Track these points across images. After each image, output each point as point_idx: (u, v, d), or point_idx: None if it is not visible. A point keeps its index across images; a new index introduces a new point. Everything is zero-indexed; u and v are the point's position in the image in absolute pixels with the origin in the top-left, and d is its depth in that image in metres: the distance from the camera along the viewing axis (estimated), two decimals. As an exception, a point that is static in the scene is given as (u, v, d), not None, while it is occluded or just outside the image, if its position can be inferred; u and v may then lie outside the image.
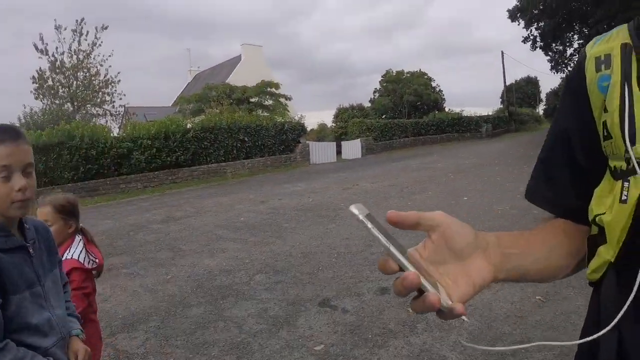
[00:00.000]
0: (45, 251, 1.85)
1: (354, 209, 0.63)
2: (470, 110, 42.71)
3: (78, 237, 2.60)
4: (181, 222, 10.30)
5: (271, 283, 5.60)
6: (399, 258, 0.63)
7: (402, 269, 0.63)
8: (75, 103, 29.30)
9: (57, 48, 29.01)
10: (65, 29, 28.35)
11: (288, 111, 28.02)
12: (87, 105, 30.18)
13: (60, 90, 29.30)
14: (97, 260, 2.59)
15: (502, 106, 50.89)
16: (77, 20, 28.61)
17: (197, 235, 8.81)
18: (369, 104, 44.34)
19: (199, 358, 3.92)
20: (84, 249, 2.57)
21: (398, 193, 11.64)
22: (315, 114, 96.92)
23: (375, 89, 47.84)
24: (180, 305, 5.18)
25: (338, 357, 3.66)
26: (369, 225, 0.62)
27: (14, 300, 1.63)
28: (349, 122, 31.94)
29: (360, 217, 0.62)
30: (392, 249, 0.62)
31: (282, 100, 28.82)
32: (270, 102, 28.94)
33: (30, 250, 1.73)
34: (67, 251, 2.50)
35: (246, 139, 22.26)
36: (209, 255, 7.25)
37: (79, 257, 2.51)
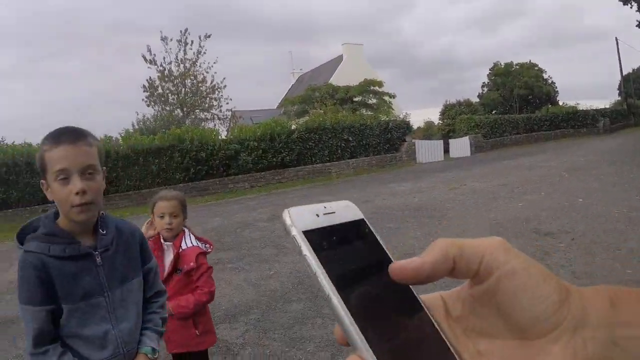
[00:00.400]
0: (125, 259, 1.76)
1: (286, 217, 0.40)
2: (585, 104, 40.13)
3: (186, 229, 2.80)
4: (285, 221, 10.45)
5: (372, 283, 5.52)
6: (344, 322, 0.36)
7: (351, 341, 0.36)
8: (185, 109, 30.90)
9: (164, 58, 30.76)
10: (171, 39, 29.99)
11: (392, 109, 27.74)
12: (196, 111, 31.68)
13: (170, 97, 31.01)
14: (208, 245, 2.83)
15: (619, 98, 47.40)
16: (181, 31, 30.13)
17: (301, 233, 8.89)
18: (477, 99, 42.91)
19: (295, 352, 3.94)
20: (195, 237, 2.80)
21: (508, 193, 11.09)
22: (421, 112, 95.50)
23: (484, 83, 46.41)
24: (281, 300, 5.26)
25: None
26: (303, 249, 0.38)
27: (65, 309, 1.58)
28: (456, 119, 31.01)
29: (293, 231, 0.39)
30: (334, 300, 0.36)
31: (386, 98, 28.56)
32: (374, 100, 28.76)
33: (98, 259, 1.65)
34: (183, 241, 2.72)
35: (350, 138, 22.29)
36: (311, 253, 7.27)
37: (197, 244, 2.75)
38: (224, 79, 31.78)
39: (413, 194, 12.45)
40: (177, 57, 30.40)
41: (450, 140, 28.08)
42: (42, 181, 1.61)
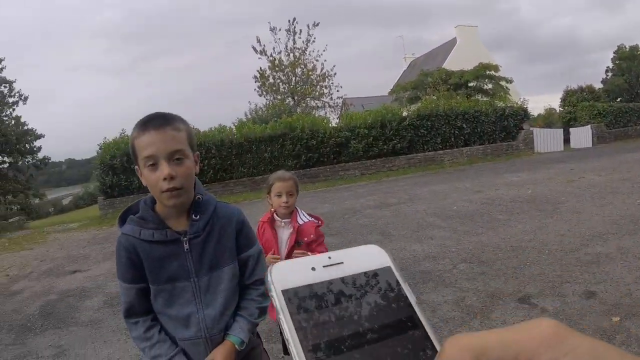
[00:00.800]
0: (218, 246, 1.73)
1: (268, 274, 0.37)
2: None
3: (297, 207, 3.12)
4: (394, 209, 10.67)
5: (474, 273, 5.55)
6: None
7: None
8: (296, 97, 31.48)
9: (274, 48, 31.35)
10: (279, 30, 30.69)
11: (509, 95, 26.58)
12: (307, 99, 32.10)
13: (281, 87, 31.71)
14: (318, 220, 3.12)
15: None
16: (289, 21, 30.73)
17: (408, 221, 9.05)
18: (601, 85, 39.95)
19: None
20: (306, 214, 3.12)
21: (629, 189, 10.38)
22: (541, 98, 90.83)
23: (608, 67, 43.17)
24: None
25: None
26: (279, 311, 0.35)
27: (152, 289, 1.67)
28: (577, 107, 29.21)
29: (272, 291, 0.36)
30: None
31: (503, 83, 27.35)
32: (490, 86, 27.70)
33: (185, 245, 1.66)
34: (298, 217, 3.05)
35: (464, 125, 21.82)
36: (417, 241, 7.43)
37: (311, 219, 3.08)
38: (334, 66, 32.05)
39: (527, 186, 12.07)
40: (286, 46, 31.08)
41: (571, 129, 26.37)
42: (135, 167, 1.66)
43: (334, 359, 0.32)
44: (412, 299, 0.38)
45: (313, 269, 0.37)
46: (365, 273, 0.38)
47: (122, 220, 1.73)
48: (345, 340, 0.33)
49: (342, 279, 0.37)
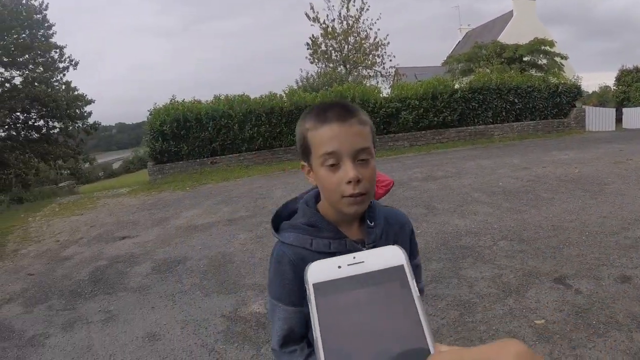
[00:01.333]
0: None
1: (306, 270, 0.44)
2: None
3: None
4: (440, 182, 10.85)
5: (513, 251, 5.72)
6: None
7: None
8: (348, 66, 31.38)
9: (327, 15, 31.42)
10: None
11: (563, 72, 25.92)
12: (359, 68, 31.96)
13: (333, 55, 31.65)
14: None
15: None
16: None
17: (453, 195, 9.24)
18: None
19: (426, 308, 4.35)
20: None
21: (678, 172, 10.28)
22: (597, 75, 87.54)
23: (664, 47, 40.93)
24: (423, 258, 5.60)
25: (554, 335, 3.63)
26: (309, 300, 0.42)
27: None
28: (632, 87, 28.10)
29: (307, 283, 0.43)
30: (321, 354, 0.40)
31: (557, 59, 26.65)
32: (544, 61, 26.98)
33: None
34: None
35: (516, 100, 21.53)
36: (460, 215, 7.62)
37: None
38: (387, 35, 31.79)
39: (575, 165, 11.98)
40: (340, 14, 30.94)
41: (624, 110, 25.65)
42: (302, 164, 1.39)
43: (342, 336, 0.40)
44: (415, 295, 0.42)
45: (339, 266, 0.44)
46: (380, 270, 0.44)
47: (276, 225, 1.46)
48: (354, 323, 0.40)
49: (361, 275, 0.44)
